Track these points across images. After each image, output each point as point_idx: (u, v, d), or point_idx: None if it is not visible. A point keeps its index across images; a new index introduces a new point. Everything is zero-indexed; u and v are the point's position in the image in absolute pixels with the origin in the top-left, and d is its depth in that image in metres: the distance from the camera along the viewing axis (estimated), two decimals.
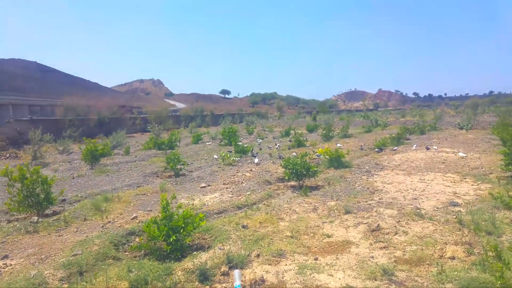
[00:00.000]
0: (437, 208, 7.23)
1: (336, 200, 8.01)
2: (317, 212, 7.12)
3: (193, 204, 7.94)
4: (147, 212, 7.54)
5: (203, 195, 8.86)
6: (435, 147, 16.85)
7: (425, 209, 7.15)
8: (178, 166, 11.50)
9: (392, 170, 11.77)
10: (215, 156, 14.69)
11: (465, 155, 13.90)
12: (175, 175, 11.28)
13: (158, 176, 11.52)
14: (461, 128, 26.50)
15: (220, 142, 22.07)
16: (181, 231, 5.23)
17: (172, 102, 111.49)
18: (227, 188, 9.54)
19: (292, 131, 26.82)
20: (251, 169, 12.03)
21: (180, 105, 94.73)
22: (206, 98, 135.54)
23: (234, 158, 13.20)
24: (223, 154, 13.34)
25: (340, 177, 10.37)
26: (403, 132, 21.61)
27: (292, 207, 7.41)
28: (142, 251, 5.39)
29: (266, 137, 26.16)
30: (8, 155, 17.74)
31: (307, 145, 19.57)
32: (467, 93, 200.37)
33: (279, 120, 51.21)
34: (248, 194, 8.62)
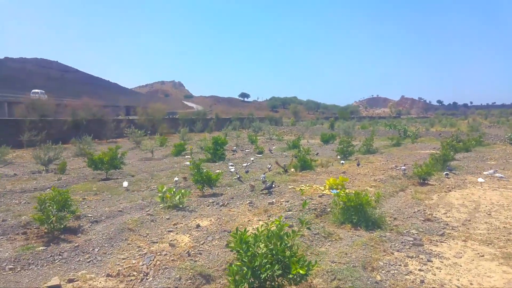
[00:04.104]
0: None
1: None
2: None
3: None
4: None
5: None
6: (500, 175, 11.28)
7: None
8: (66, 214, 6.33)
9: (464, 240, 6.16)
10: (125, 184, 9.86)
11: None
12: (52, 234, 6.05)
13: (26, 233, 6.32)
14: None
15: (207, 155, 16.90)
16: None
17: (190, 104, 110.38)
18: None
19: (302, 143, 21.21)
20: (198, 225, 6.65)
21: (198, 107, 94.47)
22: (225, 101, 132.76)
23: (181, 199, 7.67)
24: (163, 189, 7.84)
25: (363, 266, 4.86)
26: (448, 150, 15.40)
27: None
28: None
29: (273, 148, 20.74)
30: None
31: (316, 165, 14.05)
32: (494, 102, 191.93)
33: (292, 126, 45.44)
34: None
